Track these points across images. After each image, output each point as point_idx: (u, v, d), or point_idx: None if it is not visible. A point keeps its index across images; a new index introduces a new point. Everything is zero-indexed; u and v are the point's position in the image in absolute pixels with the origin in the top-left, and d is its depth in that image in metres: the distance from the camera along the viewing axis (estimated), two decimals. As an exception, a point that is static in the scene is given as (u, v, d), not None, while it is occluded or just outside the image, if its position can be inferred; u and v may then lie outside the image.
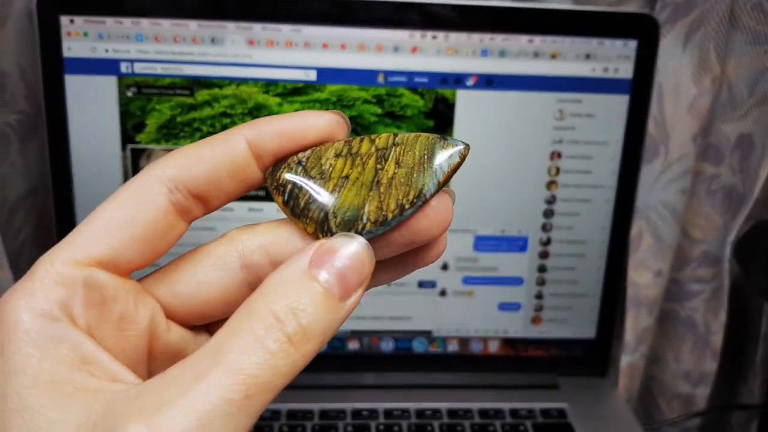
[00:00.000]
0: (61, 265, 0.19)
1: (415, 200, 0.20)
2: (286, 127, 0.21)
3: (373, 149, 0.21)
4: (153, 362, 0.21)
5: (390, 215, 0.20)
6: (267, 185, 0.22)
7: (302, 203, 0.21)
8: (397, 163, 0.21)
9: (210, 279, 0.22)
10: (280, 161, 0.22)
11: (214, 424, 0.16)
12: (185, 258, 0.22)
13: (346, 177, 0.21)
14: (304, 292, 0.18)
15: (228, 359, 0.17)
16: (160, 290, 0.22)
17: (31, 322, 0.18)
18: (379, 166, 0.21)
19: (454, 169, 0.21)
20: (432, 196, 0.20)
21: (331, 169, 0.21)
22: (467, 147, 0.21)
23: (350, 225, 0.21)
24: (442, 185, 0.20)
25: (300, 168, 0.21)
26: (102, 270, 0.20)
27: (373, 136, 0.21)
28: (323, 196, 0.21)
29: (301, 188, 0.21)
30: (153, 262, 0.21)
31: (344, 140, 0.22)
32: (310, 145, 0.22)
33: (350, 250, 0.19)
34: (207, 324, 0.24)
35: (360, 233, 0.21)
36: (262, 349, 0.17)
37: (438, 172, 0.20)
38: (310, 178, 0.21)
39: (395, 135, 0.21)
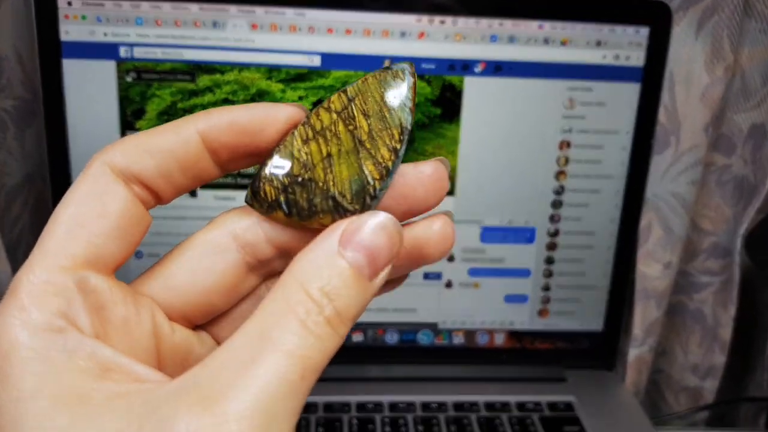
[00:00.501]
0: (46, 273, 0.18)
1: (401, 137, 0.20)
2: (243, 120, 0.20)
3: (334, 116, 0.20)
4: (162, 368, 0.20)
5: (389, 163, 0.20)
6: (256, 210, 0.21)
7: (305, 204, 0.20)
8: (365, 115, 0.20)
9: (205, 265, 0.21)
10: (252, 182, 0.21)
11: (276, 405, 0.16)
12: (175, 250, 0.21)
13: (329, 155, 0.20)
14: (336, 274, 0.18)
15: (280, 342, 0.17)
16: (154, 289, 0.21)
17: (33, 340, 0.17)
18: (351, 127, 0.20)
19: (414, 90, 0.20)
20: (412, 125, 0.20)
21: (308, 156, 0.20)
22: (411, 64, 0.21)
23: (362, 194, 0.20)
24: (414, 111, 0.20)
25: (279, 173, 0.20)
26: (91, 271, 0.18)
27: (325, 104, 0.20)
28: (319, 184, 0.20)
29: (294, 191, 0.20)
30: (130, 256, 0.20)
31: (301, 123, 0.20)
32: (269, 141, 0.20)
33: (377, 226, 0.19)
34: (208, 326, 0.23)
35: (375, 196, 0.20)
36: (308, 332, 0.17)
37: (405, 102, 0.20)
38: (296, 176, 0.20)
39: (344, 91, 0.20)
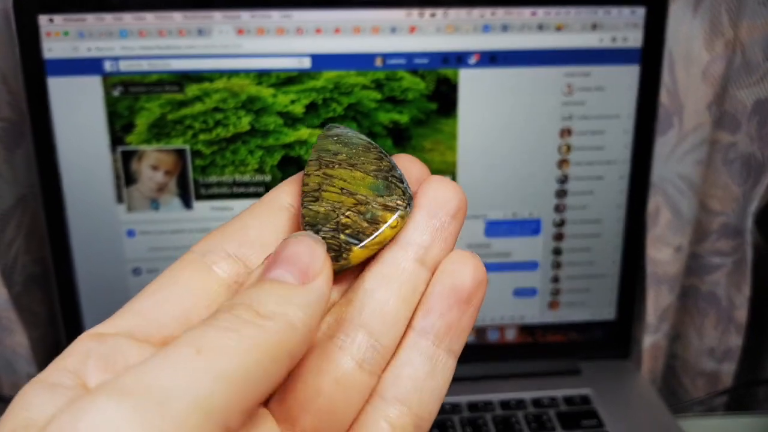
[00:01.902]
0: (86, 338, 0.18)
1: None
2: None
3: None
4: None
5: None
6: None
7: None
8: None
9: None
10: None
11: (161, 377, 0.15)
12: None
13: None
14: (251, 289, 0.17)
15: (179, 338, 0.16)
16: None
17: (34, 393, 0.16)
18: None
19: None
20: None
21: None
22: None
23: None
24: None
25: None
26: (127, 338, 0.18)
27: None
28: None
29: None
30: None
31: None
32: None
33: (287, 240, 0.18)
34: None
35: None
36: (209, 327, 0.16)
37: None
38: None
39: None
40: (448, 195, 0.21)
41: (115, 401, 0.14)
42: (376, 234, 0.20)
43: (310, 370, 0.19)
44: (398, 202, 0.20)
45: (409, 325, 0.20)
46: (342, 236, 0.20)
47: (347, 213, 0.20)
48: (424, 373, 0.20)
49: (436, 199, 0.20)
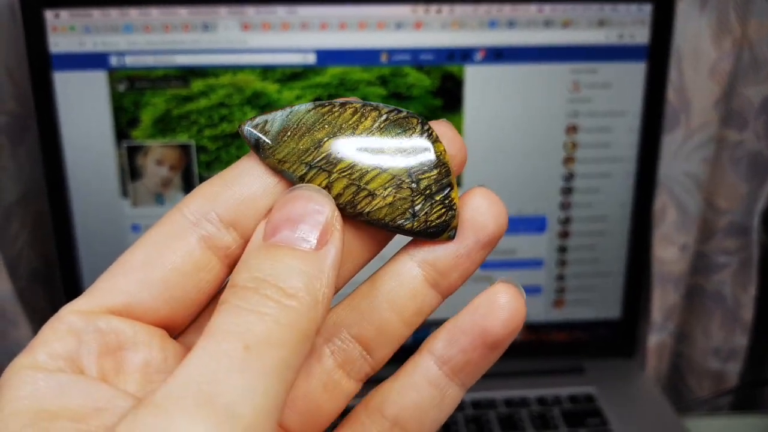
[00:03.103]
0: (70, 315, 0.17)
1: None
2: None
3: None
4: None
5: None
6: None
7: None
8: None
9: None
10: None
11: (217, 384, 0.14)
12: None
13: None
14: (265, 258, 0.16)
15: (212, 328, 0.15)
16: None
17: (31, 379, 0.16)
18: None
19: None
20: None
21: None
22: None
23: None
24: None
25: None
26: (115, 316, 0.17)
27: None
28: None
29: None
30: (189, 314, 0.18)
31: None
32: None
33: (288, 196, 0.17)
34: None
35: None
36: (245, 312, 0.15)
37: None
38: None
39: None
40: (486, 219, 0.19)
41: (188, 420, 0.14)
42: (449, 167, 0.18)
43: (302, 370, 0.19)
44: (419, 119, 0.18)
45: (425, 345, 0.20)
46: (438, 196, 0.18)
47: (415, 177, 0.18)
48: (430, 405, 0.20)
49: (472, 222, 0.19)
